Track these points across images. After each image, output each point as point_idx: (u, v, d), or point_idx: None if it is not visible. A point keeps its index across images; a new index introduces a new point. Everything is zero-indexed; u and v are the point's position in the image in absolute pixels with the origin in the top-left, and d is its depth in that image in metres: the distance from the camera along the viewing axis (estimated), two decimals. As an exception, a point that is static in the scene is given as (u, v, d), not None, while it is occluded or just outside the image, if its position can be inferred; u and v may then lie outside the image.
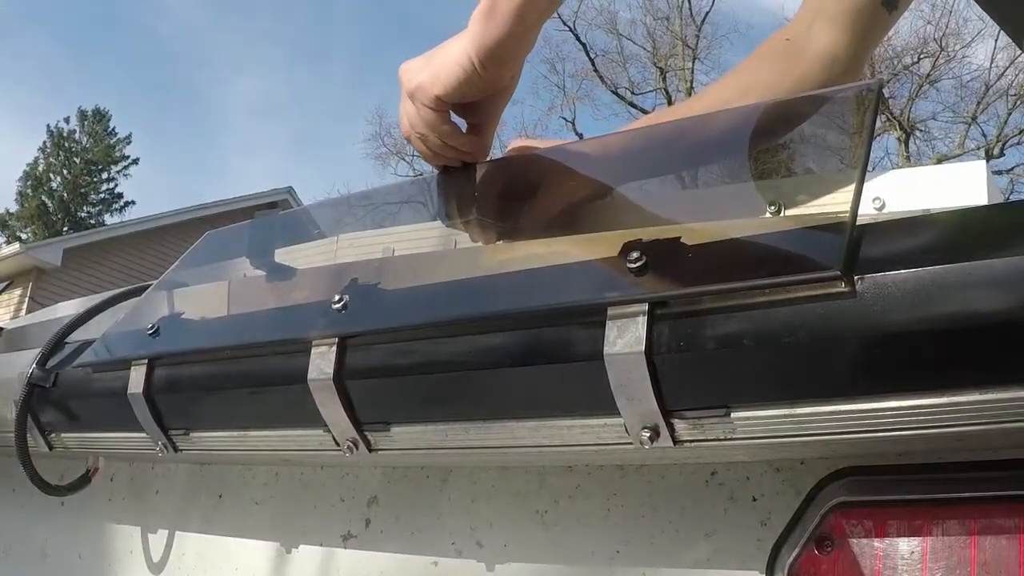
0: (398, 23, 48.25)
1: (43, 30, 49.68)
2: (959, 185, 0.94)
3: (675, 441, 0.51)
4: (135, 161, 28.85)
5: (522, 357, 0.55)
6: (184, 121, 54.15)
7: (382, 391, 0.62)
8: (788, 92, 0.94)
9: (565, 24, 18.45)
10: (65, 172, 27.91)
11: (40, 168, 27.77)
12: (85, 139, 28.59)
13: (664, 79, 18.77)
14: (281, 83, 53.78)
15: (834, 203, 0.52)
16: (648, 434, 0.51)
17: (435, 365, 0.60)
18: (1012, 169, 17.03)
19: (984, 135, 17.10)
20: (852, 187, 0.50)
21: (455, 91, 0.73)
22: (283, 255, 0.96)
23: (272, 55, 54.14)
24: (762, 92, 0.93)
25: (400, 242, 0.85)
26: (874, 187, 0.91)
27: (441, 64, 0.73)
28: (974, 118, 16.95)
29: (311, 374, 0.63)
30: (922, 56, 16.88)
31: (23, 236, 25.04)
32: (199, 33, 53.66)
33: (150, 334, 0.80)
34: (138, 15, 50.35)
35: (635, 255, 0.51)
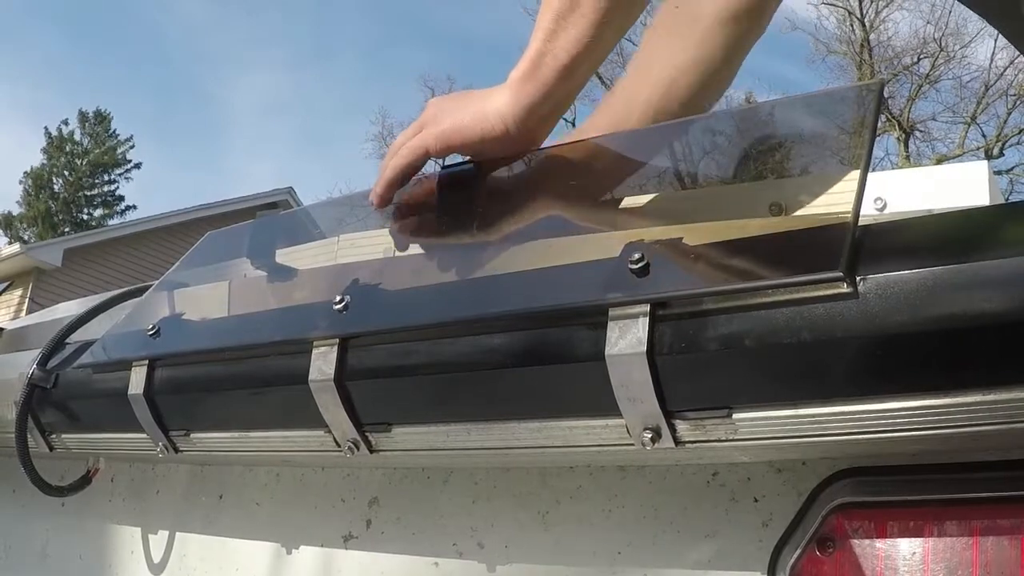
0: (400, 22, 48.30)
1: (47, 28, 49.77)
2: (961, 185, 0.94)
3: (677, 442, 0.51)
4: (137, 165, 28.91)
5: (523, 358, 0.55)
6: (188, 119, 54.26)
7: (383, 392, 0.62)
8: (694, 62, 0.88)
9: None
10: (67, 174, 27.91)
11: (44, 171, 27.78)
12: (86, 141, 28.59)
13: (664, 79, 18.70)
14: (285, 82, 53.86)
15: (836, 204, 0.52)
16: (650, 435, 0.51)
17: (436, 366, 0.60)
18: (1012, 169, 17.05)
19: (984, 135, 17.11)
20: (854, 188, 0.50)
21: (472, 148, 0.74)
22: (284, 255, 0.96)
23: (277, 54, 54.23)
24: (667, 71, 0.88)
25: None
26: (876, 188, 0.91)
27: (470, 118, 0.72)
28: (974, 118, 16.96)
29: (312, 375, 0.63)
30: (922, 56, 16.89)
31: (25, 238, 25.03)
32: (204, 31, 53.74)
33: (151, 335, 0.80)
34: (144, 13, 50.45)
35: (636, 256, 0.51)
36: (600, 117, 0.91)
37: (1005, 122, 16.68)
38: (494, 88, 0.73)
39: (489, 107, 0.72)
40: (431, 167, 0.82)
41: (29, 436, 0.91)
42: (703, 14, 0.89)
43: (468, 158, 0.79)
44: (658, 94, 0.90)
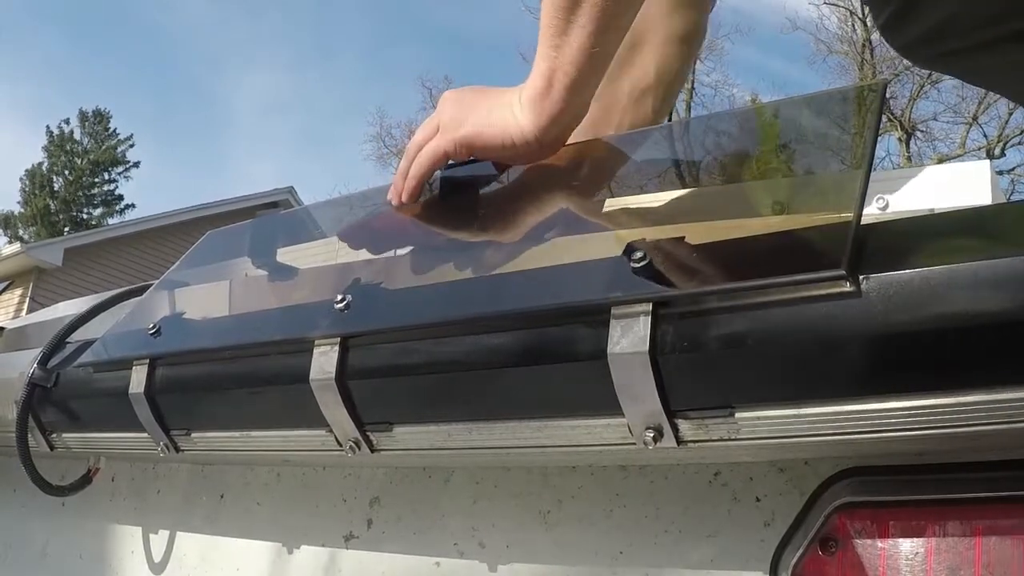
0: (400, 22, 48.29)
1: (47, 28, 49.77)
2: (963, 185, 0.94)
3: (679, 441, 0.51)
4: (136, 164, 28.97)
5: (525, 357, 0.55)
6: (188, 119, 54.30)
7: (384, 391, 0.62)
8: (658, 76, 1.07)
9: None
10: (67, 173, 27.94)
11: (43, 169, 27.85)
12: (86, 140, 28.63)
13: (665, 79, 18.70)
14: (286, 82, 53.89)
15: (838, 203, 0.52)
16: (652, 434, 0.50)
17: (438, 365, 0.60)
18: (1013, 169, 17.05)
19: (985, 135, 17.12)
20: (856, 187, 0.50)
21: (493, 156, 0.76)
22: (284, 255, 0.96)
23: (277, 54, 54.26)
24: (639, 84, 1.07)
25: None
26: (878, 187, 0.91)
27: (491, 129, 0.74)
28: (975, 118, 16.96)
29: (313, 374, 0.63)
30: (923, 56, 16.82)
31: (24, 237, 25.05)
32: (204, 31, 53.74)
33: (151, 334, 0.80)
34: (144, 13, 50.49)
35: (638, 254, 0.51)
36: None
37: (1006, 122, 16.68)
38: (511, 93, 0.75)
39: (510, 122, 0.73)
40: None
41: (30, 435, 0.91)
42: (661, 36, 1.08)
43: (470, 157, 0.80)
44: (632, 103, 1.07)
